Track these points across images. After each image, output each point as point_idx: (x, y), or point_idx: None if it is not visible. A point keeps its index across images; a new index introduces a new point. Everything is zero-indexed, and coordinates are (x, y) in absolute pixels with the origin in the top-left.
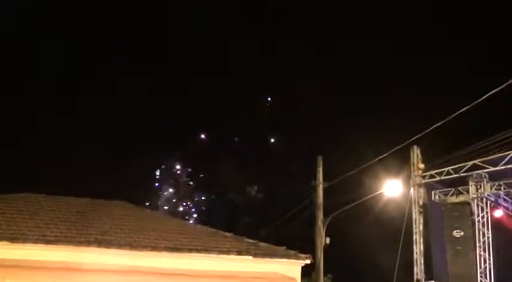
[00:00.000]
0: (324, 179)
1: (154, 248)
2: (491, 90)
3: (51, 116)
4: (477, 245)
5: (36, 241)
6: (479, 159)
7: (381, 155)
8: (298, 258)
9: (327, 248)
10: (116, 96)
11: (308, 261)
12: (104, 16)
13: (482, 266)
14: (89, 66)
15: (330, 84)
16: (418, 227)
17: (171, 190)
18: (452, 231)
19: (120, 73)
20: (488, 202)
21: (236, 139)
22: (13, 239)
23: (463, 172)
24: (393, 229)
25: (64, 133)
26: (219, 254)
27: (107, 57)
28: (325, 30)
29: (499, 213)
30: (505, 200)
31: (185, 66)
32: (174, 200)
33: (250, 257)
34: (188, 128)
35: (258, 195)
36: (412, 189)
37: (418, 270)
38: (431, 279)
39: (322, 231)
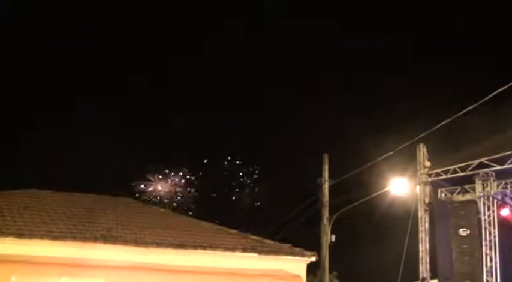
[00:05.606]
0: (330, 177)
1: (160, 244)
2: (499, 89)
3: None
4: (483, 243)
5: (42, 237)
6: (486, 158)
7: (387, 152)
8: (303, 255)
9: (332, 246)
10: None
11: (313, 259)
12: None
13: (488, 264)
14: None
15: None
16: (423, 225)
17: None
18: (459, 229)
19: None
20: (495, 200)
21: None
22: (20, 234)
23: (470, 170)
24: (399, 227)
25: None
26: (224, 250)
27: None
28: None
29: (505, 211)
30: (511, 198)
31: None
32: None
33: (255, 254)
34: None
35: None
36: (418, 187)
37: (424, 268)
38: (437, 278)
39: (328, 229)
